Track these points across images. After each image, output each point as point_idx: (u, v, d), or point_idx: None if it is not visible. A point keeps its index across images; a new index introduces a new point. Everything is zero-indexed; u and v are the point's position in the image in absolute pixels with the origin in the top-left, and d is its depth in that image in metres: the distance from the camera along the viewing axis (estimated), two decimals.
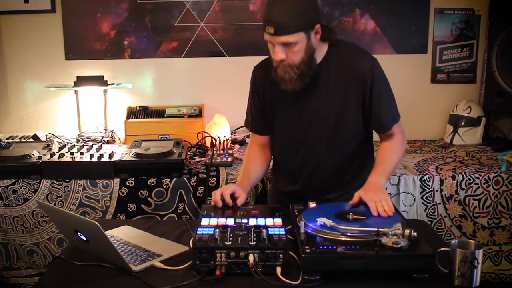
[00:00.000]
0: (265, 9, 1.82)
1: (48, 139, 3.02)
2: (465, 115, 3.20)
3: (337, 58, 1.93)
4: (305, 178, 2.07)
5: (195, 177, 2.56)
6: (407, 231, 1.52)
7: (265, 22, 1.79)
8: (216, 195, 1.90)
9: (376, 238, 1.54)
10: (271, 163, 2.26)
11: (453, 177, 2.61)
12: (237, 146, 3.10)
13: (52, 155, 2.63)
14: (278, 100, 2.01)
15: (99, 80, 3.16)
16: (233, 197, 1.91)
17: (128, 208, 2.56)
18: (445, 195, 2.63)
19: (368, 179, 1.90)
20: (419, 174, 2.63)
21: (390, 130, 1.99)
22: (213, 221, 1.71)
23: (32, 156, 2.60)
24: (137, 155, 2.61)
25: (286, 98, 1.98)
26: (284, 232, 1.61)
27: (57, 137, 3.12)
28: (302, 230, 1.59)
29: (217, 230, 1.62)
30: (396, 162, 1.99)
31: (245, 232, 1.63)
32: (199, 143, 2.97)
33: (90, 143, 2.93)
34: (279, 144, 2.11)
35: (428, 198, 2.63)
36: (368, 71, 1.91)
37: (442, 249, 1.55)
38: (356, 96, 1.93)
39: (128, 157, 2.60)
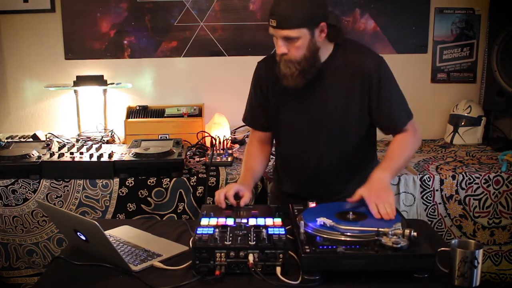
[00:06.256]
0: (272, 3, 1.82)
1: (48, 139, 3.01)
2: (465, 114, 3.20)
3: (342, 56, 1.91)
4: (309, 177, 2.05)
5: (195, 177, 2.56)
6: (407, 231, 1.52)
7: (269, 15, 1.80)
8: (220, 195, 1.88)
9: (376, 238, 1.54)
10: (272, 162, 2.25)
11: (453, 177, 2.61)
12: (237, 145, 3.09)
13: (52, 155, 2.62)
14: (282, 97, 1.99)
15: (99, 80, 3.16)
16: (237, 196, 1.90)
17: (128, 208, 2.56)
18: (445, 195, 2.62)
19: (372, 174, 1.83)
20: (419, 174, 2.62)
21: (403, 129, 1.96)
22: (213, 221, 1.70)
23: (32, 156, 2.60)
24: (136, 154, 2.60)
25: (290, 95, 1.96)
26: (284, 232, 1.61)
27: (57, 137, 3.12)
28: (302, 230, 1.59)
29: (217, 230, 1.62)
30: (406, 158, 1.92)
31: (245, 232, 1.62)
32: (199, 142, 2.97)
33: (90, 142, 2.92)
34: (283, 141, 2.09)
35: (428, 198, 2.62)
36: (374, 70, 1.89)
37: (442, 249, 1.54)
38: (361, 95, 1.91)
39: (127, 157, 2.60)
